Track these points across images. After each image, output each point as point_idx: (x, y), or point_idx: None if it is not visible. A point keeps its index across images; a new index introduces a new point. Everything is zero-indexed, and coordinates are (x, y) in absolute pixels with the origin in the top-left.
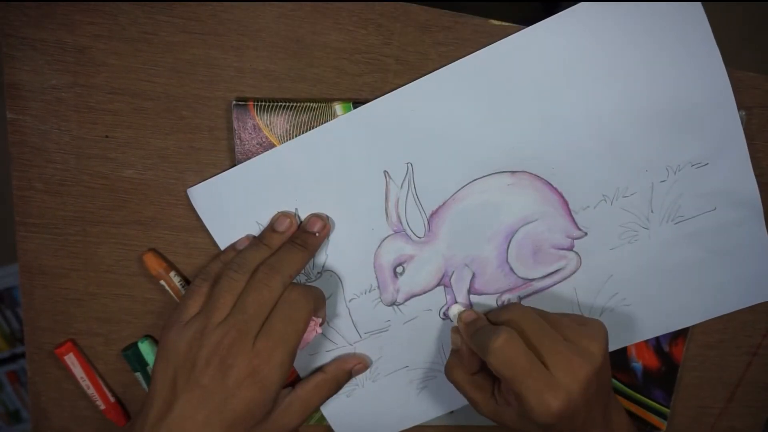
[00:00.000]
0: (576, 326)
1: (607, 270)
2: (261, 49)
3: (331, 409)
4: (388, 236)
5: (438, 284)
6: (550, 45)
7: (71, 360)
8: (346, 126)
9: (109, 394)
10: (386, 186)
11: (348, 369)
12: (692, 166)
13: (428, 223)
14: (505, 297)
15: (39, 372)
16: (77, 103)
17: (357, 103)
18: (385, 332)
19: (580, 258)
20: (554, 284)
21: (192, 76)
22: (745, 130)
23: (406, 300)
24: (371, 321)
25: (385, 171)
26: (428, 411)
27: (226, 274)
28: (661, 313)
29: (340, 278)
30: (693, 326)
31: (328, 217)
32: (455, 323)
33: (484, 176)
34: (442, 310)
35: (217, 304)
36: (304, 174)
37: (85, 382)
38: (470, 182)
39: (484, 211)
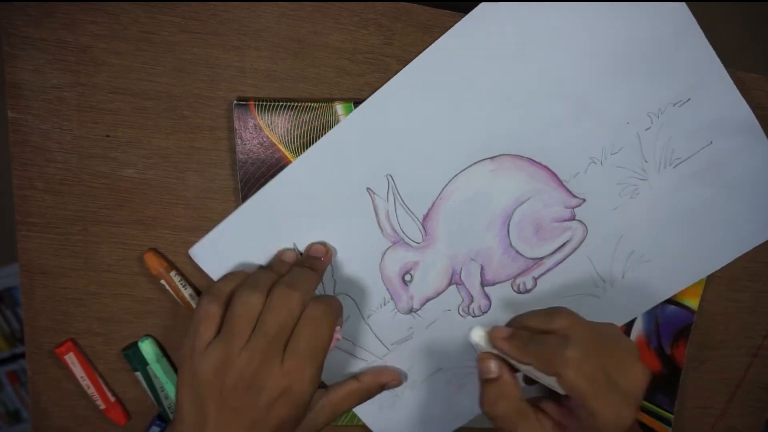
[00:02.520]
0: (606, 328)
1: (616, 231)
2: (262, 48)
3: (377, 423)
4: (388, 248)
5: (450, 284)
6: (495, 25)
7: (71, 359)
8: (319, 155)
9: (109, 394)
10: (373, 202)
11: (382, 383)
12: (674, 105)
13: (422, 227)
14: (519, 280)
15: (39, 371)
16: (78, 103)
17: (358, 103)
18: (410, 340)
19: (585, 225)
20: (566, 257)
21: (193, 75)
22: None
23: (423, 305)
24: (394, 332)
25: (367, 188)
26: (475, 407)
27: (240, 297)
28: (686, 260)
29: (353, 298)
30: (694, 327)
31: (326, 243)
32: (483, 348)
33: (465, 169)
34: (461, 308)
35: (235, 330)
36: (292, 209)
37: (85, 382)
38: (453, 178)
39: (475, 202)
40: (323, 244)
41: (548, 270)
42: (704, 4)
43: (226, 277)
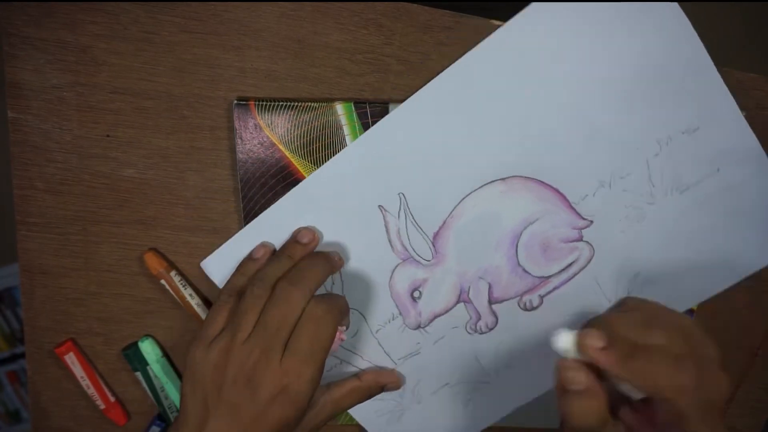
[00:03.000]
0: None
1: (622, 253)
2: (262, 48)
3: None
4: (398, 265)
5: (458, 301)
6: (511, 49)
7: (71, 359)
8: (333, 171)
9: (109, 394)
10: (384, 219)
11: (382, 383)
12: (683, 133)
13: (433, 245)
14: (526, 298)
15: (39, 371)
16: (78, 103)
17: (358, 102)
18: (417, 355)
19: (592, 246)
20: (572, 277)
21: (193, 75)
22: None
23: (430, 321)
24: (402, 346)
25: (379, 206)
26: (479, 421)
27: (249, 290)
28: (691, 283)
29: (361, 313)
30: None
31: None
32: (571, 354)
33: (477, 189)
34: (468, 325)
35: (241, 322)
36: (304, 224)
37: (85, 382)
38: (464, 198)
39: (485, 221)
40: (337, 253)
41: (555, 288)
42: (704, 4)
43: (238, 271)
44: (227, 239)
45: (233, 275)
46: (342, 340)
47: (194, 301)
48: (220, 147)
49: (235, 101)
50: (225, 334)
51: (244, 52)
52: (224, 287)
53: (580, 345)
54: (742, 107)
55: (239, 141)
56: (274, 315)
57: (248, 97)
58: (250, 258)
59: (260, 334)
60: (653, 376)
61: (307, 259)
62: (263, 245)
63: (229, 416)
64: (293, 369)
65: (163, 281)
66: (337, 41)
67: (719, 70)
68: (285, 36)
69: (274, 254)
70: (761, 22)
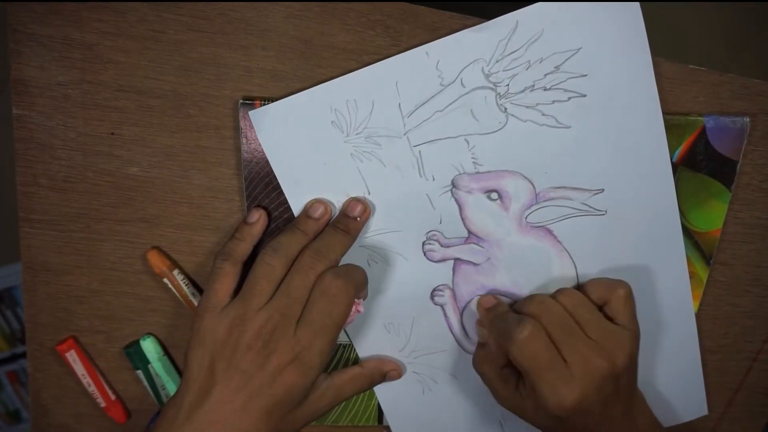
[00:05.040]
0: (607, 328)
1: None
2: (269, 48)
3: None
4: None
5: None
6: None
7: (72, 357)
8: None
9: (110, 392)
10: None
11: (384, 371)
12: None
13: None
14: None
15: (40, 369)
16: (84, 100)
17: None
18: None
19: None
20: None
21: (199, 74)
22: (748, 136)
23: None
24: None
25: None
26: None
27: (262, 259)
28: None
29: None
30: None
31: (364, 200)
32: (478, 315)
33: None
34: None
35: (255, 290)
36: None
37: (86, 380)
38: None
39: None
40: (362, 201)
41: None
42: (704, 5)
43: (235, 238)
44: (230, 237)
45: (230, 240)
46: (359, 311)
47: (196, 300)
48: (225, 146)
49: (241, 101)
50: (237, 302)
51: (251, 52)
52: (219, 252)
53: (478, 302)
54: (746, 112)
55: (244, 140)
56: (299, 283)
57: (254, 96)
58: (244, 222)
59: (282, 300)
60: (503, 332)
61: (330, 230)
62: (257, 210)
63: (237, 385)
64: (305, 338)
65: (165, 280)
66: (344, 42)
67: (721, 75)
68: (292, 36)
69: (287, 227)
70: (761, 23)
